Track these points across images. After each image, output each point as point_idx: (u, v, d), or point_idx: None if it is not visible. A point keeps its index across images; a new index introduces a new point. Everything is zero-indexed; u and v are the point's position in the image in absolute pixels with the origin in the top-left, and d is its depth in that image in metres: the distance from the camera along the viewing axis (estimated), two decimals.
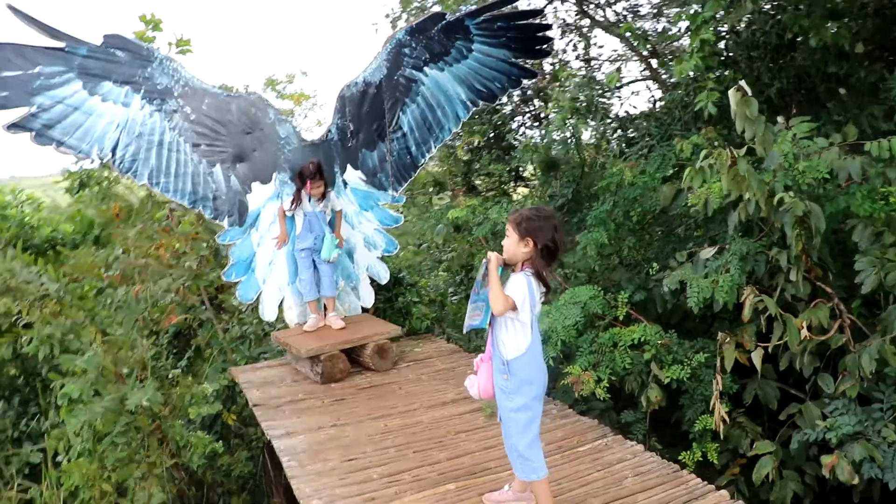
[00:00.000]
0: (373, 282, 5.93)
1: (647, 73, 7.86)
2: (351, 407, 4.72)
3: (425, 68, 5.94)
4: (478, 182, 8.11)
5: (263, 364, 5.69)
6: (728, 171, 3.62)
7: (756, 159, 3.91)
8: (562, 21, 8.77)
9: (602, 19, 8.53)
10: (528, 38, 6.15)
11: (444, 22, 5.84)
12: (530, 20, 6.16)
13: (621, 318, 4.53)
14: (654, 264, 4.63)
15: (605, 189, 5.08)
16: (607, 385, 4.10)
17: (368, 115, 5.84)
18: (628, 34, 6.43)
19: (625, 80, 8.13)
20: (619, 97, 7.64)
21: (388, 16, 9.15)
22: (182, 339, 6.51)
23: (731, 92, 3.72)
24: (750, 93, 3.67)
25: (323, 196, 5.38)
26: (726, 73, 5.12)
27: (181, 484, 5.26)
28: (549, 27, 6.35)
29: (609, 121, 7.05)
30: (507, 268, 3.12)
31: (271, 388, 5.13)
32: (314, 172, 5.21)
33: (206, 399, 5.25)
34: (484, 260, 3.09)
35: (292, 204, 5.34)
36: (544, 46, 6.22)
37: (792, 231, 3.58)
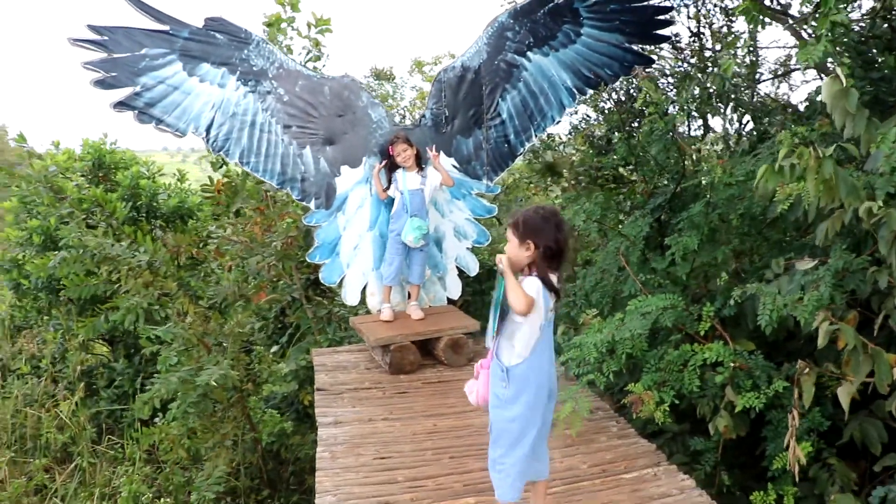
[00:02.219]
0: (462, 273, 5.77)
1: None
2: (409, 401, 4.61)
3: (528, 53, 5.66)
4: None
5: (345, 348, 5.70)
6: (812, 173, 3.12)
7: (860, 161, 3.36)
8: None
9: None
10: (644, 21, 5.70)
11: (551, 4, 5.54)
12: (647, 2, 5.71)
13: (702, 332, 4.07)
14: (747, 274, 4.13)
15: (697, 189, 4.61)
16: (667, 409, 3.70)
17: (465, 100, 5.65)
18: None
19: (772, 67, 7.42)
20: (755, 87, 6.93)
21: None
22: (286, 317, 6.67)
23: (825, 81, 3.20)
24: (844, 82, 3.13)
25: (419, 169, 5.26)
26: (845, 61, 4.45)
27: (257, 457, 5.38)
28: (668, 10, 5.83)
29: (740, 112, 6.43)
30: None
31: (341, 373, 5.12)
32: (397, 137, 5.10)
33: (284, 378, 5.32)
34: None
35: (383, 175, 5.25)
36: (662, 31, 5.76)
37: (888, 248, 3.03)
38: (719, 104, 5.84)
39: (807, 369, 3.37)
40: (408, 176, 5.20)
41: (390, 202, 5.33)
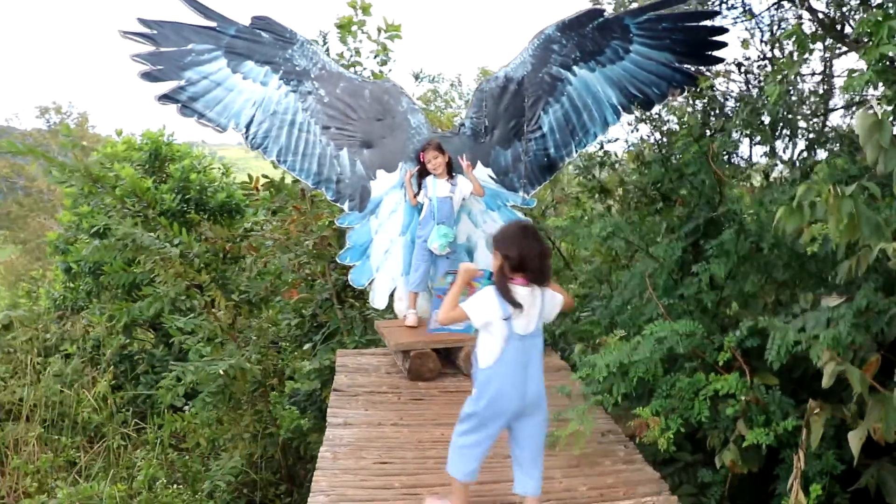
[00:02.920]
0: None
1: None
2: (422, 408, 4.58)
3: (574, 67, 5.58)
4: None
5: (370, 351, 5.70)
6: (833, 212, 2.97)
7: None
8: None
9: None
10: (697, 41, 5.58)
11: (600, 19, 5.46)
12: (702, 22, 5.58)
13: (721, 363, 3.92)
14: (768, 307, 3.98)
15: (730, 216, 4.46)
16: (671, 436, 3.58)
17: (507, 111, 5.61)
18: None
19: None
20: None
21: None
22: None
23: (858, 113, 3.05)
24: (879, 115, 2.98)
25: (450, 177, 5.24)
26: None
27: (276, 451, 5.43)
28: (723, 31, 5.67)
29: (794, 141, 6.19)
30: None
31: (361, 375, 5.12)
32: (429, 143, 5.10)
33: (307, 376, 5.36)
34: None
35: (414, 182, 5.26)
36: (715, 52, 5.62)
37: None
38: (768, 129, 5.63)
39: (817, 410, 3.21)
40: (437, 183, 5.19)
41: (422, 208, 5.33)
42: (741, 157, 6.88)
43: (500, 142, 5.63)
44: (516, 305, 2.95)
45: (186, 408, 6.06)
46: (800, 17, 7.50)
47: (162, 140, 8.71)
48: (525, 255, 2.95)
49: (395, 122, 5.51)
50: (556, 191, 8.33)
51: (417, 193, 5.27)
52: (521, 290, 2.97)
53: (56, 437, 5.96)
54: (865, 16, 4.55)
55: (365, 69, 7.47)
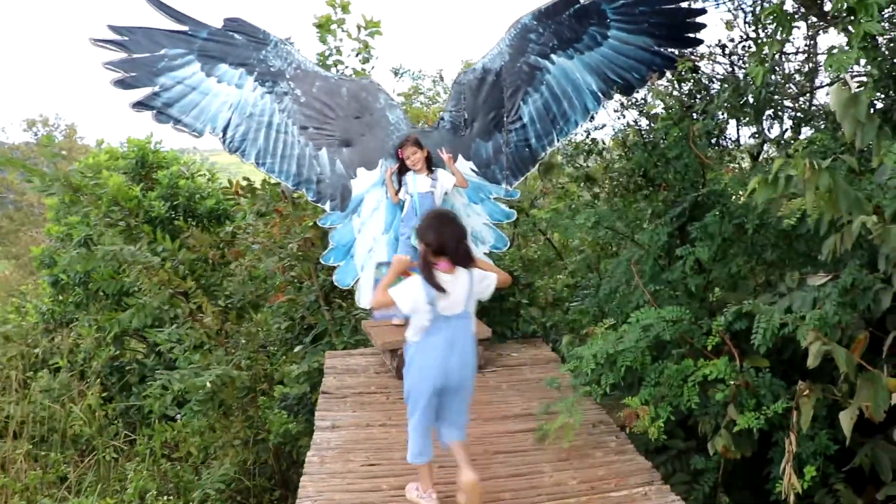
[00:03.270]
0: None
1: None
2: None
3: (552, 55, 5.52)
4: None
5: (359, 351, 5.64)
6: (810, 186, 2.92)
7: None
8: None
9: None
10: (675, 24, 5.54)
11: (577, 6, 5.40)
12: (678, 4, 5.53)
13: (710, 347, 3.87)
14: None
15: (714, 198, 4.41)
16: (662, 425, 3.53)
17: (486, 103, 5.54)
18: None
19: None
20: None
21: None
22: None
23: (833, 88, 3.00)
24: (854, 89, 2.93)
25: (429, 171, 5.18)
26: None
27: (268, 457, 5.38)
28: (702, 12, 5.62)
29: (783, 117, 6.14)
30: None
31: (349, 376, 5.07)
32: (406, 139, 5.04)
33: (296, 379, 5.31)
34: None
35: (395, 179, 5.21)
36: (695, 35, 5.57)
37: (888, 265, 2.81)
38: (751, 110, 5.57)
39: (807, 391, 3.17)
40: (418, 179, 5.12)
41: (403, 205, 5.26)
42: (729, 139, 6.83)
43: (481, 134, 5.57)
44: (439, 289, 3.14)
45: (178, 417, 6.01)
46: None
47: (148, 147, 8.63)
48: (443, 240, 3.16)
49: (373, 119, 5.44)
50: (545, 182, 8.25)
51: (398, 190, 5.21)
52: (443, 276, 3.16)
53: (45, 452, 5.89)
54: None
55: (347, 67, 7.40)
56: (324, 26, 7.25)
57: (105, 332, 6.70)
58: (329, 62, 7.31)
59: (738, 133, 6.89)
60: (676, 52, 5.67)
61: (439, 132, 5.51)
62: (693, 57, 6.84)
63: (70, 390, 6.45)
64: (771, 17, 4.79)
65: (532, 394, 4.61)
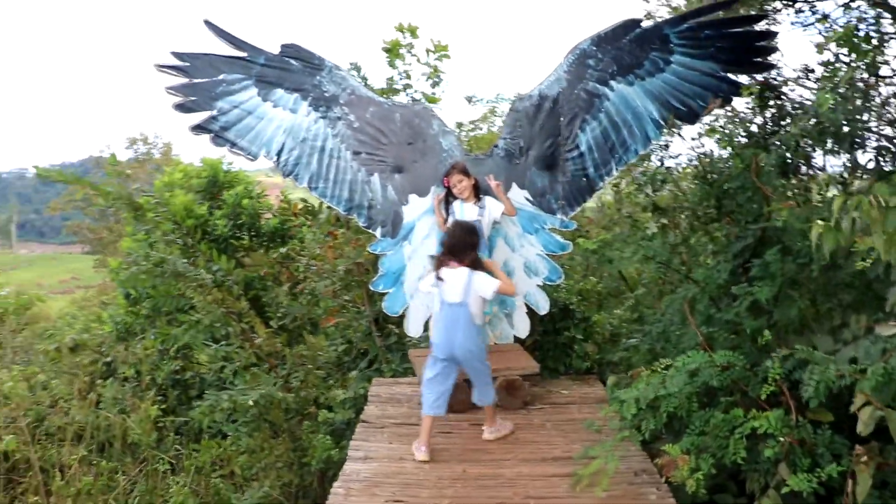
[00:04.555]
0: (532, 311, 5.49)
1: None
2: (449, 442, 4.43)
3: (611, 82, 5.33)
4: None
5: (406, 380, 5.58)
6: (874, 226, 2.68)
7: None
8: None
9: None
10: (744, 48, 5.25)
11: (638, 30, 5.22)
12: (747, 27, 5.27)
13: (764, 397, 3.61)
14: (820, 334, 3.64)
15: (775, 232, 4.14)
16: (701, 477, 3.29)
17: (542, 131, 5.41)
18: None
19: None
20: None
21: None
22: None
23: None
24: None
25: (477, 199, 5.09)
26: None
27: (312, 480, 5.36)
28: (772, 35, 5.33)
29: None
30: None
31: (392, 406, 5.02)
32: (453, 167, 4.97)
33: (342, 404, 5.29)
34: None
35: (443, 206, 5.15)
36: (764, 59, 5.29)
37: None
38: (828, 139, 5.24)
39: (864, 457, 2.89)
40: (465, 207, 5.04)
41: None
42: (817, 169, 6.42)
43: (536, 162, 5.43)
44: (439, 279, 4.26)
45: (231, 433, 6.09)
46: (878, 16, 7.02)
47: (220, 167, 8.88)
48: (453, 244, 4.28)
49: (426, 145, 5.40)
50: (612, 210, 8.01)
51: (447, 219, 5.14)
52: (446, 270, 4.25)
53: (98, 460, 6.06)
54: None
55: (416, 91, 7.41)
56: (393, 51, 7.29)
57: (169, 345, 6.88)
58: (398, 86, 7.34)
59: (824, 162, 6.51)
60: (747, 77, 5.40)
61: (493, 160, 5.41)
62: (777, 80, 6.52)
63: (133, 400, 6.62)
64: (842, 42, 4.51)
65: (577, 435, 4.42)
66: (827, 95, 4.48)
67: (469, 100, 7.79)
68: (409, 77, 7.44)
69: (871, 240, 3.05)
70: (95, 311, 10.46)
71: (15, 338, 10.13)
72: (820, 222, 2.83)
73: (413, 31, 7.37)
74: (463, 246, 4.24)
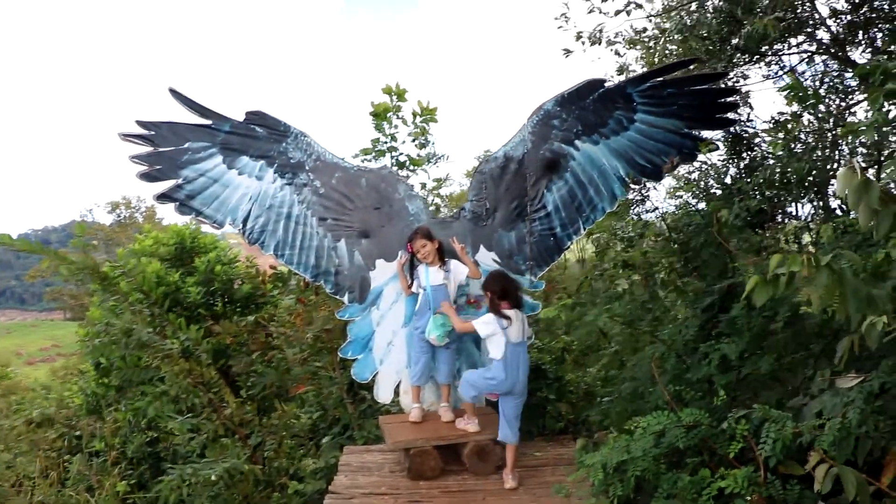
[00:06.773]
0: None
1: None
2: None
3: (577, 141, 5.36)
4: None
5: (378, 447, 5.45)
6: (807, 283, 2.67)
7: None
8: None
9: None
10: (706, 105, 5.30)
11: (601, 90, 5.27)
12: (710, 84, 5.34)
13: (732, 455, 3.53)
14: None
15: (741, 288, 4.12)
16: None
17: (508, 192, 5.42)
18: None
19: None
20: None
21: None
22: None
23: (840, 172, 2.76)
24: (860, 174, 2.68)
25: (442, 263, 5.06)
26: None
27: None
28: (734, 91, 5.41)
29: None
30: None
31: (362, 475, 4.89)
32: (416, 231, 4.95)
33: (312, 474, 5.15)
34: None
35: (407, 271, 5.11)
36: (727, 115, 5.34)
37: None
38: (794, 189, 5.28)
39: None
40: (430, 271, 5.01)
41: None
42: (791, 217, 6.43)
43: (503, 224, 5.44)
44: (506, 318, 4.50)
45: None
46: (842, 70, 7.16)
47: (187, 234, 8.81)
48: (506, 288, 4.59)
49: (392, 210, 5.39)
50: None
51: (411, 284, 5.10)
52: (508, 311, 4.51)
53: None
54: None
55: (401, 154, 7.39)
56: (380, 115, 7.28)
57: (138, 418, 6.71)
58: (383, 148, 7.30)
59: (795, 211, 6.54)
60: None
61: (460, 222, 5.40)
62: (747, 132, 6.58)
63: (98, 476, 6.41)
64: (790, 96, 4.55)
65: (548, 500, 4.32)
66: (779, 142, 4.52)
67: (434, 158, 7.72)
68: (394, 140, 7.40)
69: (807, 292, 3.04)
70: (73, 380, 10.22)
71: None
72: (755, 276, 2.80)
73: (401, 95, 7.37)
74: (514, 289, 4.61)
